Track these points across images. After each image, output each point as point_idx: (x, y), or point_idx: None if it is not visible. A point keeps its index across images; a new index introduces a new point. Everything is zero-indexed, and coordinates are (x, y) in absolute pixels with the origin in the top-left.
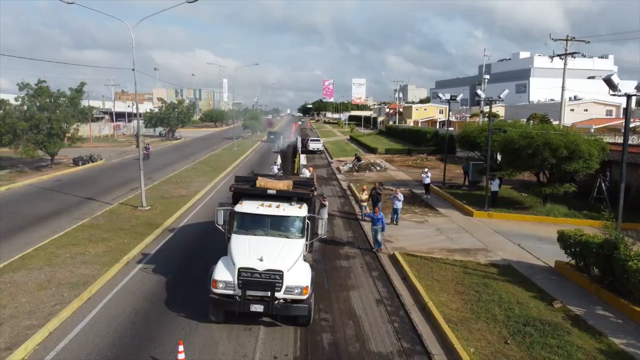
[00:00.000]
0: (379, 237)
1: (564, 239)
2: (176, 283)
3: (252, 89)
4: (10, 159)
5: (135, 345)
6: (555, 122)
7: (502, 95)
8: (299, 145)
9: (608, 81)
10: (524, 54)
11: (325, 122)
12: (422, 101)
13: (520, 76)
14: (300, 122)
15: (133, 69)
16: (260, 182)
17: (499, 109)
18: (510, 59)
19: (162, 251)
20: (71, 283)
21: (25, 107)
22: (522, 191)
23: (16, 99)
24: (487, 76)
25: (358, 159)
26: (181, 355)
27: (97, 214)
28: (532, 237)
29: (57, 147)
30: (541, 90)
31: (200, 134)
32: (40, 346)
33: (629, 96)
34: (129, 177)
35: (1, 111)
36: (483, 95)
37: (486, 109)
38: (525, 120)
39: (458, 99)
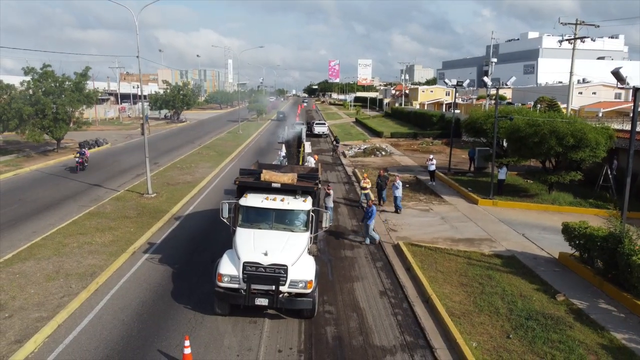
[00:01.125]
0: (370, 231)
1: (568, 231)
2: (182, 274)
3: (257, 69)
4: (17, 142)
5: (142, 338)
6: (563, 106)
7: (509, 83)
8: (304, 136)
9: (616, 74)
10: (532, 34)
11: (330, 104)
12: (428, 82)
13: (528, 57)
14: (305, 104)
15: (137, 56)
16: (265, 175)
17: (506, 92)
18: (518, 39)
19: (168, 240)
20: (79, 274)
21: (30, 92)
22: (528, 178)
23: (21, 84)
24: (495, 59)
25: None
26: (187, 350)
27: (104, 202)
28: (536, 227)
29: (63, 132)
30: (549, 74)
31: (205, 116)
32: (49, 339)
33: (636, 89)
34: (135, 162)
35: (6, 96)
36: (490, 83)
37: (493, 91)
38: (532, 103)
39: (465, 84)
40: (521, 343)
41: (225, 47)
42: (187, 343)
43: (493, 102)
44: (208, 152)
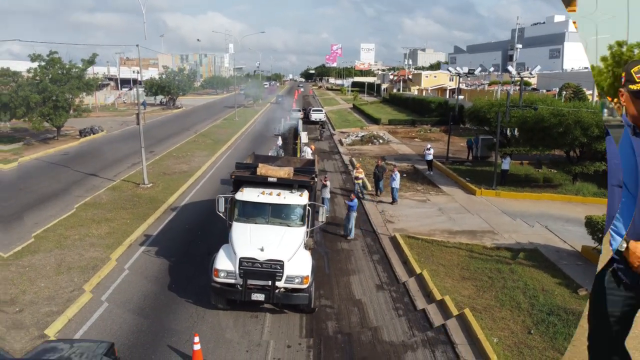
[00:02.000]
0: (350, 224)
1: (591, 225)
2: (180, 266)
3: (254, 53)
4: (25, 130)
5: (152, 334)
6: (588, 92)
7: (533, 72)
8: (300, 127)
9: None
10: (558, 18)
11: (327, 89)
12: (432, 67)
13: (554, 41)
14: (301, 89)
15: (137, 45)
16: (261, 169)
17: (531, 78)
18: (544, 23)
19: (165, 232)
20: (81, 267)
21: (37, 79)
22: (551, 167)
23: (28, 71)
24: (520, 45)
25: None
26: (197, 347)
27: (100, 192)
28: (541, 217)
29: (63, 119)
30: (576, 60)
31: (201, 102)
32: (60, 334)
33: None
34: (130, 151)
35: (14, 84)
36: (514, 72)
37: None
38: (557, 90)
39: (477, 72)
40: (542, 339)
41: (226, 31)
42: (196, 340)
43: (518, 88)
44: (204, 140)
